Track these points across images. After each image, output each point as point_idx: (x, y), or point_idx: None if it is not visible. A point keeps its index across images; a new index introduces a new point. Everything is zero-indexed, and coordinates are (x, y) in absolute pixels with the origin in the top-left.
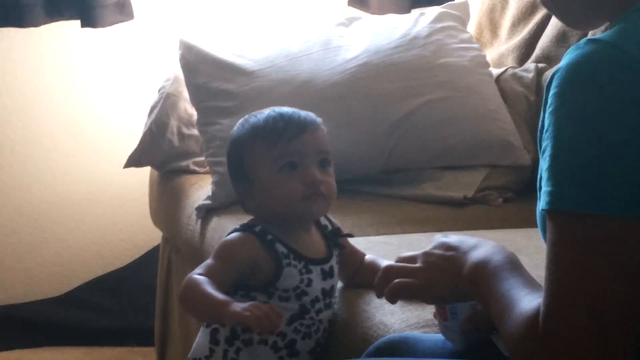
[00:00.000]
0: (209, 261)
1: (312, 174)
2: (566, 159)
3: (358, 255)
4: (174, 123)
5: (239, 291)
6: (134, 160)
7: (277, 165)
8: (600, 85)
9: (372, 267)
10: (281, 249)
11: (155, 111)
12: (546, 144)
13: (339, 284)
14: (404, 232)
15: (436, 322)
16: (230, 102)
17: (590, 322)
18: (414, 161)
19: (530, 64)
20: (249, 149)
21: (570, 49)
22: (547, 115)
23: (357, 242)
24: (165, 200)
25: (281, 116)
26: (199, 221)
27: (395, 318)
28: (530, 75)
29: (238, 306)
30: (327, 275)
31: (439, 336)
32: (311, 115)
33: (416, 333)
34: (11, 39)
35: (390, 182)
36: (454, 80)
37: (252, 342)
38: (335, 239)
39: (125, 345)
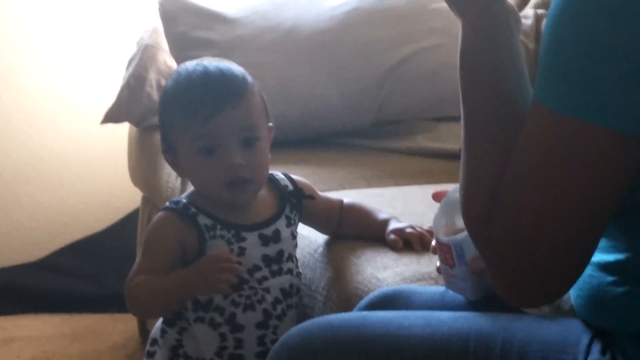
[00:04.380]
0: (139, 259)
1: (229, 159)
2: (556, 55)
3: (335, 205)
4: (153, 76)
5: None
6: (112, 116)
7: (194, 147)
8: None
9: (354, 211)
10: (204, 221)
11: (134, 64)
12: (544, 36)
13: (324, 238)
14: (396, 184)
15: (440, 276)
16: (211, 51)
17: (544, 219)
18: (406, 112)
19: (529, 10)
20: (168, 115)
21: None
22: (550, 6)
23: (347, 194)
24: (145, 157)
25: (201, 84)
26: (180, 178)
27: (388, 272)
28: (529, 22)
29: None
30: (268, 240)
31: (437, 288)
32: (237, 80)
33: (412, 286)
34: None
35: (382, 134)
36: (448, 26)
37: (189, 321)
38: (296, 199)
39: (105, 312)
